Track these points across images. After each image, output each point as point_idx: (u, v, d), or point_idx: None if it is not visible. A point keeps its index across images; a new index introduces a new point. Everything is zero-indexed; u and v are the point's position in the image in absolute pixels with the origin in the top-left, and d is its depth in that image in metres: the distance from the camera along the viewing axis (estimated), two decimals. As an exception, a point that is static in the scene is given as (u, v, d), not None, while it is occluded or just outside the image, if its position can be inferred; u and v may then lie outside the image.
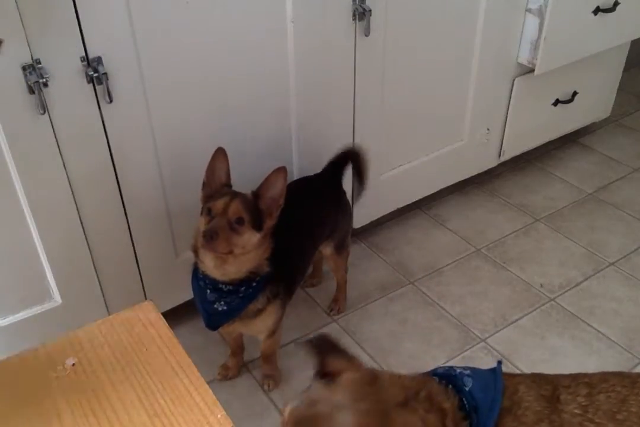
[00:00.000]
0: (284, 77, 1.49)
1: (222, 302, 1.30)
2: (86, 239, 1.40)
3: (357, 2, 1.47)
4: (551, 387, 0.93)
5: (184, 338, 1.49)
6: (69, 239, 1.38)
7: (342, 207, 1.62)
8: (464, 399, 0.87)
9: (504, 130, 2.10)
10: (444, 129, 1.96)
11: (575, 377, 0.96)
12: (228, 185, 1.30)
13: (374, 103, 1.70)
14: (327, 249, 1.61)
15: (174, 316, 1.64)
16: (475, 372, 0.93)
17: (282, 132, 1.58)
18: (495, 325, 1.74)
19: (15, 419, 0.67)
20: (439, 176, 2.06)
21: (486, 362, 1.63)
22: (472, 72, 1.87)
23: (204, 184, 1.30)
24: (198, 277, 1.33)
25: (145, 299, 1.56)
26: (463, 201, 2.20)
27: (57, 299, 1.44)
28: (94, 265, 1.45)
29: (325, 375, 0.82)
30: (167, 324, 0.77)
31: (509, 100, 2.03)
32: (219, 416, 0.66)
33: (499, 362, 0.95)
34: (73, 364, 0.72)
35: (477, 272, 1.92)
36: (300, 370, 1.58)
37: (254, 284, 1.30)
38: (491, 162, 2.18)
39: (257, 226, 1.24)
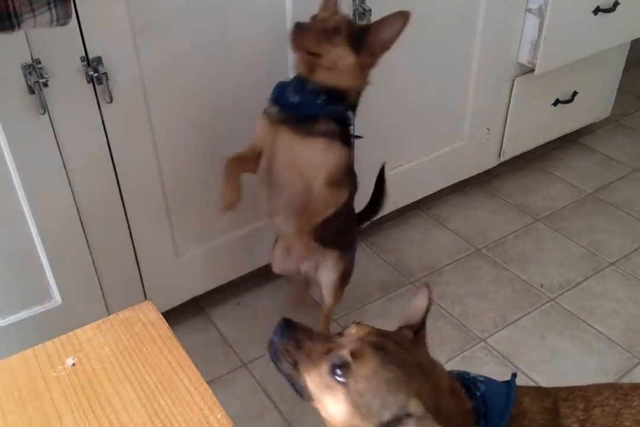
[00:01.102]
0: (284, 76, 1.49)
1: (297, 96, 1.23)
2: (86, 239, 1.40)
3: (357, 2, 1.47)
4: (551, 400, 0.93)
5: (184, 338, 1.49)
6: (69, 239, 1.38)
7: None
8: (475, 404, 0.86)
9: (504, 130, 2.10)
10: (444, 129, 1.96)
11: (572, 390, 0.96)
12: (342, 17, 1.27)
13: (374, 103, 1.70)
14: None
15: (174, 316, 1.64)
16: (488, 379, 0.92)
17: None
18: (495, 325, 1.74)
19: (15, 419, 0.67)
20: (439, 176, 2.06)
21: (486, 362, 1.63)
22: (472, 72, 1.87)
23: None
24: (288, 81, 1.28)
25: (145, 299, 1.56)
26: (463, 201, 2.20)
27: (57, 299, 1.44)
28: (94, 265, 1.45)
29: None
30: (167, 324, 0.77)
31: (509, 100, 2.03)
32: (219, 416, 0.66)
33: (514, 375, 0.93)
34: (73, 364, 0.72)
35: (477, 272, 1.92)
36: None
37: (336, 105, 1.25)
38: (491, 162, 2.18)
39: (355, 49, 1.20)
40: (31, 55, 1.13)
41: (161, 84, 1.33)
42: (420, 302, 0.91)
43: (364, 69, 1.25)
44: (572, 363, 1.63)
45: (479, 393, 0.87)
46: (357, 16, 1.48)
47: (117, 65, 1.24)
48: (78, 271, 1.44)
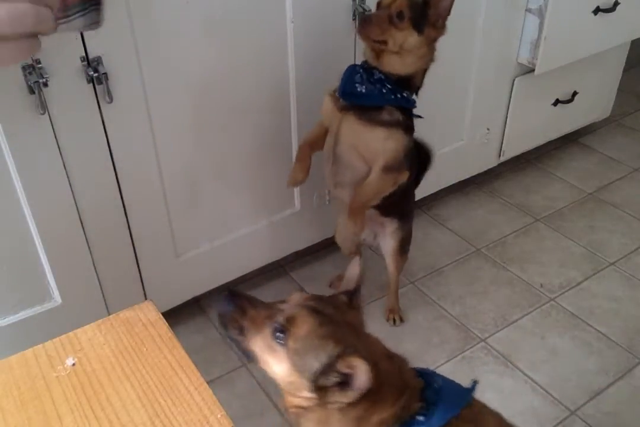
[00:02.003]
0: (284, 77, 1.49)
1: (364, 86, 1.31)
2: (86, 239, 1.40)
3: (357, 2, 1.47)
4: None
5: (184, 338, 1.49)
6: (69, 239, 1.38)
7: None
8: (427, 391, 0.90)
9: (504, 130, 2.10)
10: (444, 129, 1.96)
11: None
12: None
13: (374, 103, 1.70)
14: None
15: (174, 316, 1.64)
16: (448, 380, 0.96)
17: (282, 130, 1.58)
18: (495, 325, 1.74)
19: (15, 419, 0.67)
20: (439, 176, 2.06)
21: (486, 362, 1.63)
22: (472, 72, 1.87)
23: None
24: (356, 65, 1.35)
25: (145, 299, 1.56)
26: (463, 201, 2.20)
27: (57, 299, 1.44)
28: (94, 265, 1.45)
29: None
30: (167, 324, 0.77)
31: (509, 100, 2.03)
32: (219, 416, 0.66)
33: (475, 382, 0.96)
34: (73, 364, 0.72)
35: (477, 272, 1.92)
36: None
37: (403, 93, 1.32)
38: (491, 162, 2.18)
39: (419, 28, 1.26)
40: (31, 55, 1.13)
41: (161, 84, 1.32)
42: (352, 270, 0.99)
43: (430, 43, 1.31)
44: (572, 363, 1.63)
45: (436, 386, 0.91)
46: (357, 16, 1.48)
47: (117, 65, 1.24)
48: (78, 271, 1.44)
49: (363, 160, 1.36)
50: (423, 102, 1.82)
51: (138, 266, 1.53)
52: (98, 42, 1.20)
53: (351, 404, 0.83)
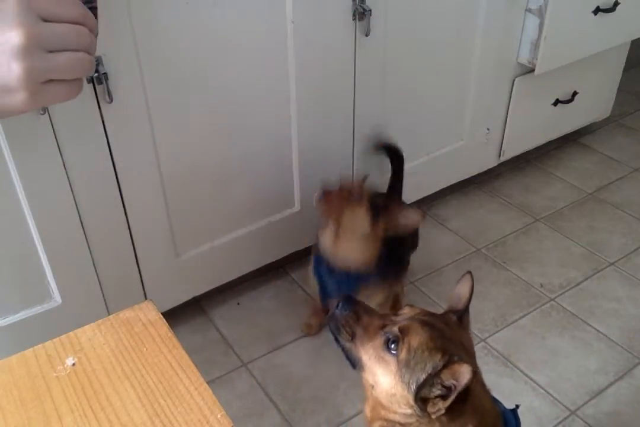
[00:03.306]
0: (283, 77, 1.49)
1: (335, 282, 1.41)
2: (86, 239, 1.40)
3: (357, 2, 1.47)
4: None
5: (184, 338, 1.49)
6: (69, 239, 1.38)
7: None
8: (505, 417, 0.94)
9: (504, 130, 2.10)
10: (444, 129, 1.96)
11: None
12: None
13: (374, 103, 1.70)
14: None
15: (174, 316, 1.64)
16: (500, 403, 0.99)
17: (282, 130, 1.58)
18: (495, 325, 1.74)
19: (15, 419, 0.67)
20: (439, 176, 2.06)
21: (486, 362, 1.63)
22: (472, 72, 1.87)
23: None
24: (318, 258, 1.44)
25: (145, 299, 1.56)
26: (463, 201, 2.20)
27: (57, 299, 1.44)
28: (94, 265, 1.45)
29: None
30: (167, 324, 0.77)
31: (509, 100, 2.03)
32: (219, 416, 0.66)
33: (517, 406, 0.99)
34: (73, 364, 0.72)
35: (477, 272, 1.91)
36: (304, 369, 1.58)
37: (364, 275, 1.38)
38: (491, 162, 2.18)
39: (372, 217, 1.31)
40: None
41: (161, 84, 1.33)
42: (463, 289, 0.99)
43: (375, 237, 1.34)
44: (572, 363, 1.63)
45: (501, 409, 0.95)
46: (357, 16, 1.48)
47: (117, 65, 1.24)
48: (78, 271, 1.44)
49: None
50: (423, 102, 1.83)
51: (138, 266, 1.53)
52: (98, 42, 1.19)
53: (449, 419, 0.84)
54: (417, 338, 0.86)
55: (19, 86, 0.49)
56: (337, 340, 0.95)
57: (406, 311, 0.94)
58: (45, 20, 0.49)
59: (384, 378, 0.87)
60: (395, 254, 1.46)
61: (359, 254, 1.36)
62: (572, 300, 1.81)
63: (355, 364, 0.92)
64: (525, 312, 1.78)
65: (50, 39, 0.49)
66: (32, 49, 0.48)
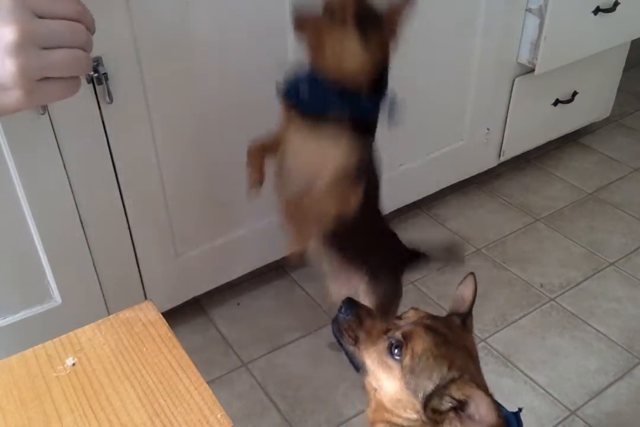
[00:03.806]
0: (286, 69, 1.49)
1: (311, 96, 1.17)
2: (86, 239, 1.40)
3: (357, 2, 1.46)
4: None
5: (184, 338, 1.49)
6: (69, 239, 1.38)
7: None
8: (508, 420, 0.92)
9: (504, 130, 2.10)
10: (444, 129, 1.96)
11: None
12: None
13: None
14: None
15: (174, 316, 1.64)
16: (503, 407, 0.97)
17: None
18: (495, 325, 1.74)
19: (15, 419, 0.67)
20: (439, 176, 2.06)
21: (486, 362, 1.63)
22: (472, 72, 1.87)
23: None
24: (302, 74, 1.20)
25: (145, 299, 1.56)
26: (463, 201, 2.20)
27: (57, 299, 1.44)
28: (94, 265, 1.45)
29: None
30: (167, 324, 0.77)
31: (509, 100, 2.03)
32: (219, 416, 0.66)
33: (520, 410, 0.98)
34: (73, 364, 0.72)
35: (477, 272, 1.89)
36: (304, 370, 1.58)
37: (354, 98, 1.16)
38: (491, 162, 2.18)
39: (364, 31, 1.10)
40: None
41: (161, 84, 1.33)
42: (466, 291, 1.00)
43: (374, 56, 1.16)
44: (572, 363, 1.63)
45: (503, 413, 0.92)
46: (357, 16, 1.48)
47: (117, 65, 1.24)
48: (78, 271, 1.44)
49: (309, 174, 1.23)
50: (423, 102, 1.83)
51: (138, 266, 1.53)
52: (98, 42, 1.19)
53: None
54: (421, 344, 0.85)
55: (13, 84, 0.48)
56: (340, 343, 0.94)
57: (410, 315, 0.93)
58: (41, 17, 0.49)
59: (388, 383, 0.87)
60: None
61: (352, 66, 1.14)
62: (572, 300, 1.81)
63: (358, 367, 0.92)
64: (525, 312, 1.78)
65: (45, 35, 0.49)
66: (27, 45, 0.48)
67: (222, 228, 1.63)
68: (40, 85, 0.50)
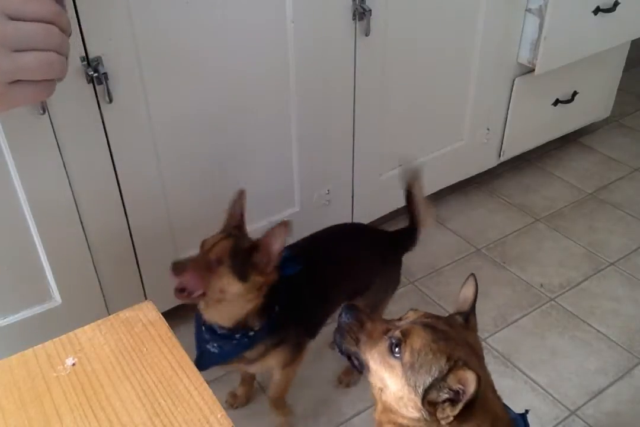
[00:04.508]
0: (284, 77, 1.49)
1: (215, 345, 1.24)
2: (86, 239, 1.40)
3: (357, 2, 1.47)
4: None
5: (184, 338, 1.49)
6: (69, 239, 1.38)
7: (387, 268, 1.51)
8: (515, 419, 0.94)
9: (504, 130, 2.10)
10: (444, 129, 1.96)
11: None
12: (239, 227, 1.23)
13: (374, 103, 1.70)
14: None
15: (174, 316, 1.64)
16: (510, 409, 0.99)
17: (282, 130, 1.58)
18: (495, 325, 1.74)
19: (15, 419, 0.67)
20: (439, 176, 2.06)
21: (486, 362, 1.62)
22: (472, 72, 1.87)
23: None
24: (200, 317, 1.25)
25: (145, 299, 1.56)
26: (463, 201, 2.20)
27: (57, 299, 1.44)
28: (94, 265, 1.45)
29: None
30: (167, 324, 0.77)
31: (509, 100, 2.03)
32: (219, 416, 0.66)
33: (527, 411, 0.99)
34: (73, 364, 0.72)
35: (477, 272, 1.89)
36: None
37: (250, 333, 1.22)
38: (491, 162, 2.18)
39: (241, 275, 1.13)
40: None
41: (161, 84, 1.32)
42: (467, 292, 1.03)
43: (260, 288, 1.17)
44: (572, 363, 1.63)
45: (512, 416, 0.95)
46: (357, 16, 1.48)
47: (117, 65, 1.24)
48: (78, 271, 1.44)
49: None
50: (423, 102, 1.83)
51: (138, 266, 1.53)
52: (98, 42, 1.20)
53: (458, 424, 0.84)
54: (419, 340, 0.87)
55: None
56: (340, 350, 0.96)
57: (410, 315, 0.95)
58: (14, 19, 0.48)
59: (391, 382, 0.88)
60: (295, 302, 1.29)
61: (239, 313, 1.19)
62: (572, 300, 1.81)
63: (362, 369, 0.93)
64: (525, 312, 1.78)
65: (17, 38, 0.48)
66: None
67: (222, 228, 1.63)
68: (12, 88, 0.49)
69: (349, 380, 1.59)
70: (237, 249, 1.15)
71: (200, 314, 1.24)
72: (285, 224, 1.15)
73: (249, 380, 1.53)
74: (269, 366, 1.34)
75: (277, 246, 1.16)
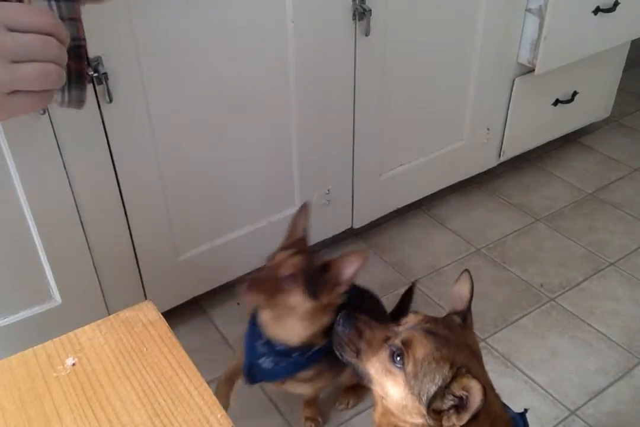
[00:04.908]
0: (283, 77, 1.49)
1: (270, 359, 1.22)
2: (86, 239, 1.40)
3: (357, 2, 1.47)
4: None
5: (184, 338, 1.49)
6: (69, 239, 1.38)
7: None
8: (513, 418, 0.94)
9: (504, 130, 2.10)
10: (444, 129, 1.96)
11: None
12: (302, 240, 1.22)
13: (374, 103, 1.70)
14: None
15: (174, 316, 1.64)
16: (509, 408, 0.98)
17: (282, 130, 1.58)
18: (495, 325, 1.74)
19: (15, 419, 0.67)
20: (439, 176, 2.06)
21: (486, 362, 1.62)
22: (472, 72, 1.87)
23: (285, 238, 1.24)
24: (256, 323, 1.23)
25: (145, 299, 1.56)
26: (463, 201, 2.20)
27: (57, 299, 1.44)
28: (94, 265, 1.45)
29: None
30: (167, 324, 0.77)
31: (509, 100, 2.03)
32: (219, 416, 0.66)
33: (526, 410, 0.99)
34: (73, 364, 0.72)
35: (477, 272, 1.91)
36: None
37: (309, 353, 1.21)
38: (491, 162, 2.18)
39: (312, 293, 1.13)
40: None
41: (161, 84, 1.32)
42: (462, 289, 0.97)
43: (324, 309, 1.17)
44: (572, 363, 1.63)
45: (511, 415, 0.94)
46: (357, 16, 1.48)
47: (117, 65, 1.24)
48: (78, 271, 1.44)
49: None
50: (423, 102, 1.83)
51: (138, 266, 1.53)
52: (98, 42, 1.20)
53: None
54: (422, 350, 0.85)
55: None
56: (341, 356, 0.94)
57: (409, 319, 0.93)
58: (12, 30, 0.48)
59: (394, 390, 0.87)
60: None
61: (305, 332, 1.19)
62: (572, 300, 1.81)
63: (363, 378, 0.92)
64: (525, 312, 1.78)
65: (15, 49, 0.48)
66: None
67: (222, 228, 1.63)
68: (10, 99, 0.50)
69: (348, 401, 1.55)
70: (309, 266, 1.14)
71: (257, 326, 1.22)
72: (364, 256, 1.15)
73: (235, 376, 1.44)
74: (318, 386, 1.34)
75: (351, 271, 1.14)
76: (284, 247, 1.19)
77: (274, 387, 1.34)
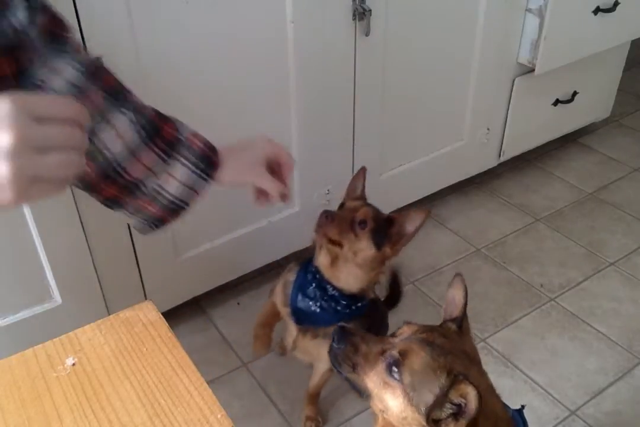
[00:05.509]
0: (283, 77, 1.49)
1: (318, 304, 1.25)
2: (86, 238, 1.40)
3: (357, 2, 1.47)
4: None
5: (184, 338, 1.49)
6: (69, 239, 1.38)
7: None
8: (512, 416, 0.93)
9: (504, 130, 2.10)
10: (444, 129, 1.96)
11: None
12: (364, 198, 1.27)
13: (374, 103, 1.70)
14: None
15: (174, 316, 1.64)
16: (509, 406, 0.98)
17: (282, 130, 1.58)
18: (495, 325, 1.74)
19: (15, 418, 0.67)
20: (439, 176, 2.06)
21: (486, 362, 1.62)
22: (472, 72, 1.87)
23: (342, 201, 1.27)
24: (308, 269, 1.27)
25: (145, 299, 1.56)
26: (463, 201, 2.20)
27: (57, 299, 1.44)
28: (94, 265, 1.45)
29: None
30: (167, 324, 0.77)
31: (509, 100, 2.03)
32: (219, 416, 0.66)
33: (523, 407, 0.99)
34: (73, 364, 0.72)
35: (477, 272, 1.91)
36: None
37: (355, 306, 1.25)
38: (491, 162, 2.18)
39: (377, 243, 1.17)
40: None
41: (161, 85, 1.32)
42: (457, 293, 0.99)
43: (383, 261, 1.22)
44: (572, 363, 1.63)
45: (510, 413, 0.93)
46: (357, 16, 1.48)
47: (116, 65, 1.24)
48: (78, 271, 1.44)
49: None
50: (423, 102, 1.83)
51: (138, 266, 1.53)
52: (98, 42, 1.19)
53: None
54: (418, 360, 0.85)
55: (6, 185, 0.50)
56: (338, 371, 0.94)
57: (404, 330, 0.93)
58: (39, 120, 0.50)
59: (393, 403, 0.86)
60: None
61: (362, 280, 1.23)
62: (572, 300, 1.81)
63: (362, 393, 0.92)
64: (525, 312, 1.78)
65: (41, 140, 0.50)
66: (22, 150, 0.49)
67: (222, 228, 1.63)
68: (32, 185, 0.52)
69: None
70: (379, 217, 1.19)
71: (307, 273, 1.26)
72: (427, 213, 1.19)
73: (272, 322, 1.47)
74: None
75: (413, 228, 1.19)
76: (351, 199, 1.24)
77: (293, 345, 1.34)
